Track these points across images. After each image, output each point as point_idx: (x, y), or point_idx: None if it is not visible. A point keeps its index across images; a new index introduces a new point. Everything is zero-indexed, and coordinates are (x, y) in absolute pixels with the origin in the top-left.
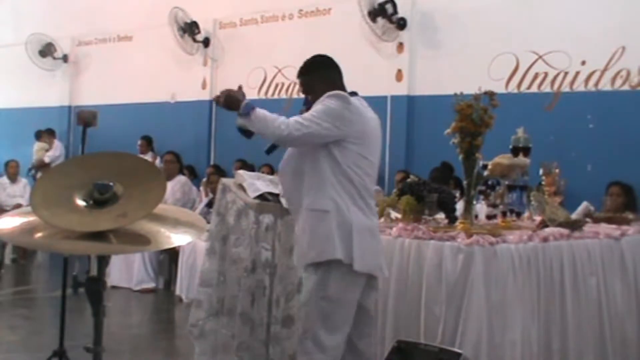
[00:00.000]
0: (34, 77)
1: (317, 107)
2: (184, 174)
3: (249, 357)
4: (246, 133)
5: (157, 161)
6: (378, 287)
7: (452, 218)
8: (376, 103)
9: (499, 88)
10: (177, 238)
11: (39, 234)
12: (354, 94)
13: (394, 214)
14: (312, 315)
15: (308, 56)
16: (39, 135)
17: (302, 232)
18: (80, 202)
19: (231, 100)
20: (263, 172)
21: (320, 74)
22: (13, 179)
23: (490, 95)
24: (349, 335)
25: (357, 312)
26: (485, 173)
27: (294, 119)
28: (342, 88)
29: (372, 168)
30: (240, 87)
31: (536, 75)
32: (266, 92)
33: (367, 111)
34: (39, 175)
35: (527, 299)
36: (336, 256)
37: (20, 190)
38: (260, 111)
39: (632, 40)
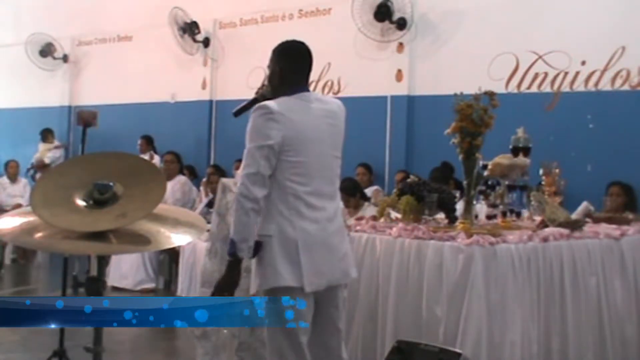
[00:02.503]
0: (34, 77)
1: (247, 135)
2: (184, 174)
3: (250, 357)
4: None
5: (157, 160)
6: (344, 289)
7: (452, 218)
8: (376, 103)
9: (499, 88)
10: (177, 238)
11: (39, 234)
12: (302, 89)
13: (394, 214)
14: (276, 335)
15: None
16: (45, 137)
17: (253, 260)
18: (80, 202)
19: (229, 284)
20: None
21: (279, 60)
22: (13, 179)
23: (490, 95)
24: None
25: (323, 320)
26: (485, 173)
27: (240, 174)
28: (291, 82)
29: (318, 167)
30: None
31: (536, 75)
32: None
33: (307, 107)
34: (38, 175)
35: (527, 299)
36: (280, 283)
37: (20, 190)
38: (235, 238)
39: (632, 40)
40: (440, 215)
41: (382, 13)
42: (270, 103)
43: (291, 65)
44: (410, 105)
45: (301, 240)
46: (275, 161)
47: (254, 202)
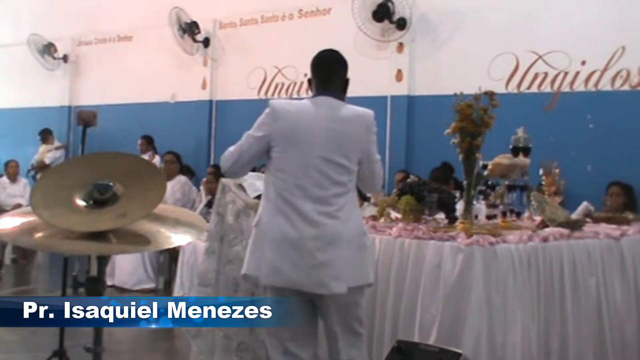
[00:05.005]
0: (34, 77)
1: None
2: (184, 174)
3: (249, 358)
4: None
5: (157, 160)
6: (336, 307)
7: (452, 218)
8: (376, 103)
9: (499, 88)
10: (177, 238)
11: (39, 234)
12: (320, 94)
13: (394, 214)
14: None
15: (308, 56)
16: (45, 138)
17: None
18: (80, 202)
19: None
20: (263, 172)
21: (312, 71)
22: (13, 179)
23: (490, 95)
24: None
25: (325, 325)
26: (485, 173)
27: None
28: (314, 88)
29: (304, 168)
30: None
31: (536, 75)
32: (266, 92)
33: (310, 109)
34: (38, 176)
35: (527, 299)
36: (245, 271)
37: (20, 190)
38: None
39: (632, 40)
40: (440, 215)
41: (381, 13)
42: (275, 101)
43: (313, 73)
44: (410, 105)
45: (271, 234)
46: (261, 153)
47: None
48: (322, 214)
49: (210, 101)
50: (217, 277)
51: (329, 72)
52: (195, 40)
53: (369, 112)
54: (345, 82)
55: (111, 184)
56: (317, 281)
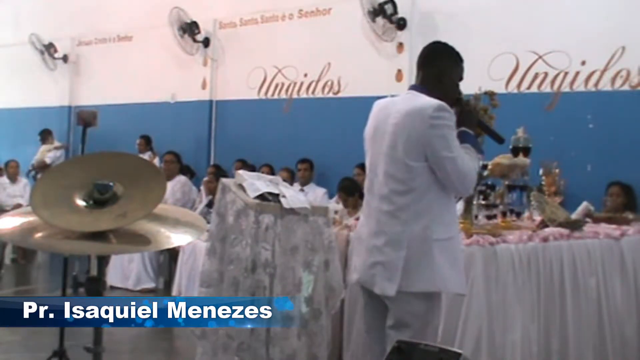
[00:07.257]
0: (34, 77)
1: None
2: (184, 174)
3: (250, 357)
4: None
5: (156, 160)
6: (392, 309)
7: None
8: None
9: (499, 88)
10: (177, 238)
11: (39, 234)
12: (412, 87)
13: None
14: None
15: (308, 56)
16: (44, 138)
17: None
18: (80, 202)
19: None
20: (263, 172)
21: None
22: (13, 179)
23: (490, 95)
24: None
25: None
26: (485, 173)
27: None
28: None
29: (373, 165)
30: None
31: (536, 75)
32: (266, 92)
33: (390, 104)
34: (38, 176)
35: (527, 299)
36: None
37: (20, 190)
38: None
39: (632, 40)
40: None
41: (374, 13)
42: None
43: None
44: None
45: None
46: None
47: None
48: (383, 212)
49: (210, 101)
50: (219, 278)
51: (418, 65)
52: (195, 40)
53: (431, 102)
54: (434, 76)
55: (111, 184)
56: (372, 279)
